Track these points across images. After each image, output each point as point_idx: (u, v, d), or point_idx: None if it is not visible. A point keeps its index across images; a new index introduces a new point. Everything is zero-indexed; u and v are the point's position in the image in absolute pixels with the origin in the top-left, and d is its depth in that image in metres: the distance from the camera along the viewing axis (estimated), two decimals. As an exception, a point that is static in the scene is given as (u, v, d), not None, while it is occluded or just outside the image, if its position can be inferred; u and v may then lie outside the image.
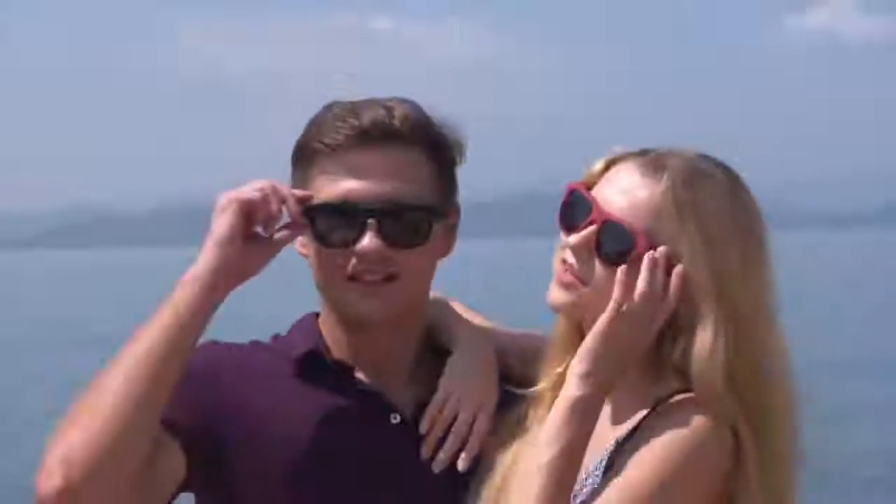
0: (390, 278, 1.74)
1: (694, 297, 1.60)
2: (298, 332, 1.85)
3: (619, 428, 1.68)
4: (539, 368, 1.77)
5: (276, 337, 1.88)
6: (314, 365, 1.78)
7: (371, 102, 1.76)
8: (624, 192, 1.65)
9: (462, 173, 1.87)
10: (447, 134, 1.80)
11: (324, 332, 1.83)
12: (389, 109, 1.73)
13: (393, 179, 1.71)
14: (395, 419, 1.75)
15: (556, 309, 1.71)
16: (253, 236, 1.68)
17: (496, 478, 1.71)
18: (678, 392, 1.61)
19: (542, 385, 1.73)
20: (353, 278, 1.73)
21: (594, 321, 1.63)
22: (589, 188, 1.70)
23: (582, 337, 1.65)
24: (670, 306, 1.58)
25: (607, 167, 1.71)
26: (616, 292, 1.58)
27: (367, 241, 1.69)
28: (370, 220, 1.70)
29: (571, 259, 1.66)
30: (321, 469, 1.72)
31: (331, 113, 1.76)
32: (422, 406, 1.77)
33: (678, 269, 1.59)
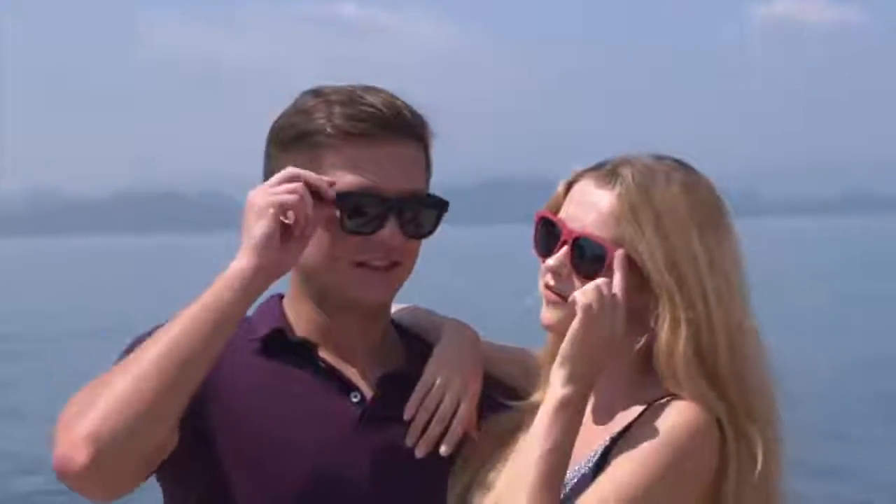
0: (394, 265, 1.78)
1: (656, 293, 1.66)
2: (263, 312, 1.87)
3: (613, 425, 1.71)
4: (526, 380, 1.84)
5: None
6: (278, 343, 1.80)
7: (374, 91, 1.77)
8: (586, 207, 1.72)
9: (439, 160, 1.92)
10: (429, 128, 1.84)
11: (288, 313, 1.85)
12: (395, 101, 1.76)
13: (412, 172, 1.76)
14: (356, 398, 1.77)
15: (550, 328, 1.76)
16: (287, 234, 1.70)
17: (488, 476, 1.75)
18: (672, 393, 1.66)
19: (537, 397, 1.78)
20: (361, 264, 1.76)
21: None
22: (556, 212, 1.77)
23: None
24: (620, 301, 1.63)
25: (568, 188, 1.78)
26: (580, 298, 1.64)
27: (390, 231, 1.73)
28: (393, 212, 1.73)
29: (552, 281, 1.73)
30: (281, 443, 1.73)
31: (333, 98, 1.76)
32: (383, 386, 1.79)
33: (618, 253, 1.66)
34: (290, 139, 1.79)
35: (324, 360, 1.81)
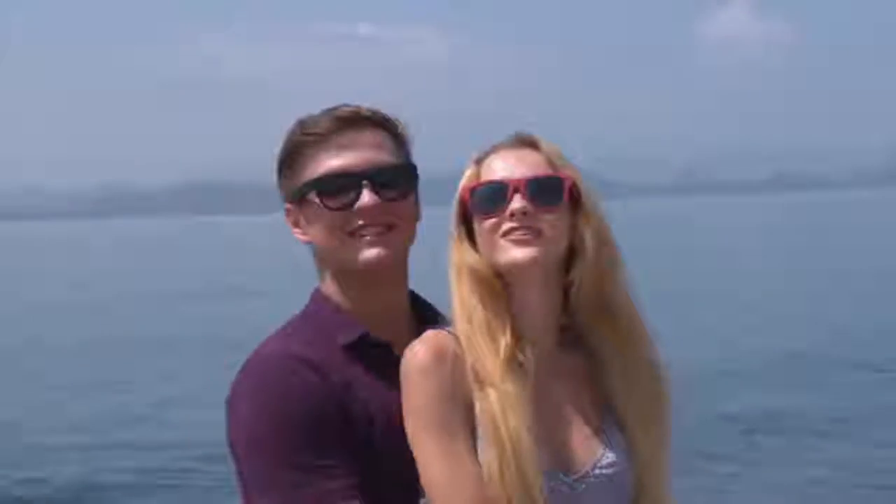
0: (390, 227, 1.94)
1: (584, 223, 1.86)
2: (327, 317, 1.94)
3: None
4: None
5: (298, 324, 1.96)
6: (364, 346, 1.90)
7: (338, 106, 1.97)
8: (519, 162, 1.85)
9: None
10: (396, 121, 2.01)
11: (338, 306, 1.96)
12: (356, 106, 1.96)
13: (374, 150, 1.93)
14: None
15: (533, 263, 1.81)
16: None
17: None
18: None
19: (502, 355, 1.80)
20: (352, 234, 1.91)
21: (545, 269, 1.83)
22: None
23: (506, 301, 1.83)
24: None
25: (478, 164, 1.90)
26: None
27: (367, 198, 1.89)
28: (365, 182, 1.90)
29: (517, 223, 1.80)
30: (390, 425, 1.83)
31: (307, 120, 1.95)
32: None
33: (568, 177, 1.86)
34: (282, 161, 1.98)
35: (395, 356, 1.85)
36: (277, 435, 1.75)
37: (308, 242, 2.01)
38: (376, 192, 1.93)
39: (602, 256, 1.88)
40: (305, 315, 1.98)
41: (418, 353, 1.80)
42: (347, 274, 1.96)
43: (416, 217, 2.03)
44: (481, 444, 1.77)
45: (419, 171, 2.05)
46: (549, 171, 1.85)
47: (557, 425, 1.86)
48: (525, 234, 1.81)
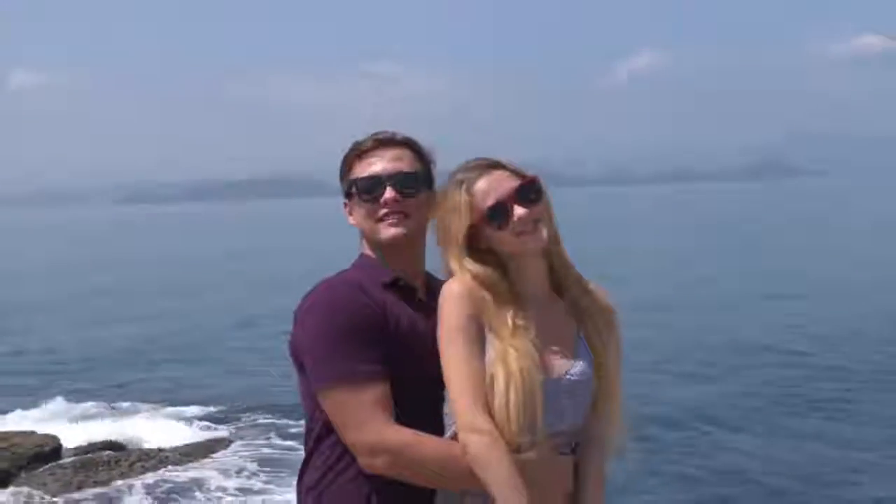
0: (406, 216, 2.40)
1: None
2: (371, 266, 2.43)
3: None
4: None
5: (352, 272, 2.47)
6: (396, 283, 2.39)
7: (380, 132, 2.47)
8: (497, 184, 2.31)
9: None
10: (419, 144, 2.51)
11: (378, 261, 2.43)
12: (392, 132, 2.47)
13: (396, 161, 2.41)
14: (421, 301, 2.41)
15: (545, 243, 2.28)
16: None
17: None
18: None
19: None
20: (380, 219, 2.39)
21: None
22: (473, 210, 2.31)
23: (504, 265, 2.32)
24: None
25: (470, 195, 2.34)
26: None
27: (388, 194, 2.36)
28: (387, 183, 2.37)
29: (531, 219, 2.29)
30: (418, 337, 2.34)
31: (359, 140, 2.46)
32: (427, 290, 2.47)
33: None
34: (343, 165, 2.50)
35: (416, 292, 2.42)
36: (334, 328, 2.24)
37: (354, 225, 2.48)
38: (396, 190, 2.37)
39: (555, 236, 2.33)
40: (355, 266, 2.46)
41: (453, 287, 2.25)
42: (378, 245, 2.43)
43: (424, 211, 2.42)
44: (489, 357, 2.20)
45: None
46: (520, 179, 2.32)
47: (545, 345, 2.25)
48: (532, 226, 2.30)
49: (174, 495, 10.33)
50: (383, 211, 2.41)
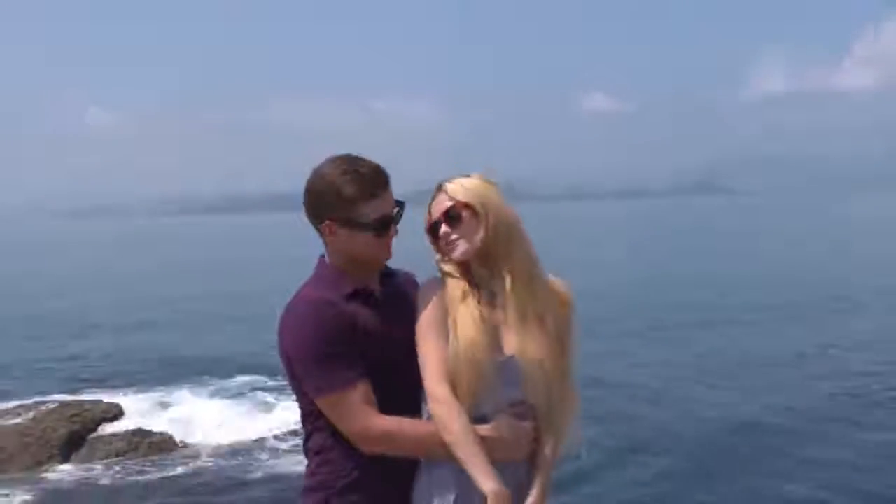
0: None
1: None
2: (334, 278, 2.52)
3: None
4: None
5: (319, 287, 2.53)
6: (359, 293, 2.48)
7: (373, 163, 2.50)
8: (444, 200, 2.52)
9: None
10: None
11: (344, 272, 2.52)
12: (384, 171, 2.49)
13: (393, 201, 2.53)
14: (378, 301, 2.51)
15: (466, 255, 2.49)
16: None
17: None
18: None
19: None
20: (381, 249, 2.52)
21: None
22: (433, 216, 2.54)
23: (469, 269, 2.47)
24: None
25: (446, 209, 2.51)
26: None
27: (392, 230, 2.51)
28: (393, 224, 2.51)
29: (449, 236, 2.51)
30: (382, 335, 2.51)
31: (359, 171, 2.46)
32: (384, 288, 2.60)
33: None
34: (350, 194, 2.47)
35: (376, 298, 2.49)
36: (318, 346, 2.36)
37: (335, 244, 2.55)
38: (395, 227, 2.54)
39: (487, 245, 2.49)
40: (319, 276, 2.53)
41: (427, 285, 2.46)
42: (358, 262, 2.53)
43: None
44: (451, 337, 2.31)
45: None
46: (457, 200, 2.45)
47: (494, 325, 2.41)
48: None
49: (235, 455, 10.94)
50: (387, 242, 2.56)
